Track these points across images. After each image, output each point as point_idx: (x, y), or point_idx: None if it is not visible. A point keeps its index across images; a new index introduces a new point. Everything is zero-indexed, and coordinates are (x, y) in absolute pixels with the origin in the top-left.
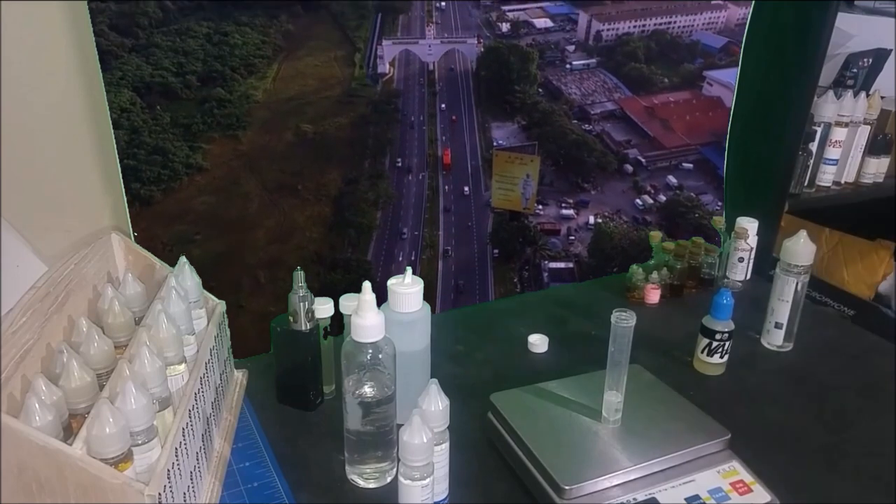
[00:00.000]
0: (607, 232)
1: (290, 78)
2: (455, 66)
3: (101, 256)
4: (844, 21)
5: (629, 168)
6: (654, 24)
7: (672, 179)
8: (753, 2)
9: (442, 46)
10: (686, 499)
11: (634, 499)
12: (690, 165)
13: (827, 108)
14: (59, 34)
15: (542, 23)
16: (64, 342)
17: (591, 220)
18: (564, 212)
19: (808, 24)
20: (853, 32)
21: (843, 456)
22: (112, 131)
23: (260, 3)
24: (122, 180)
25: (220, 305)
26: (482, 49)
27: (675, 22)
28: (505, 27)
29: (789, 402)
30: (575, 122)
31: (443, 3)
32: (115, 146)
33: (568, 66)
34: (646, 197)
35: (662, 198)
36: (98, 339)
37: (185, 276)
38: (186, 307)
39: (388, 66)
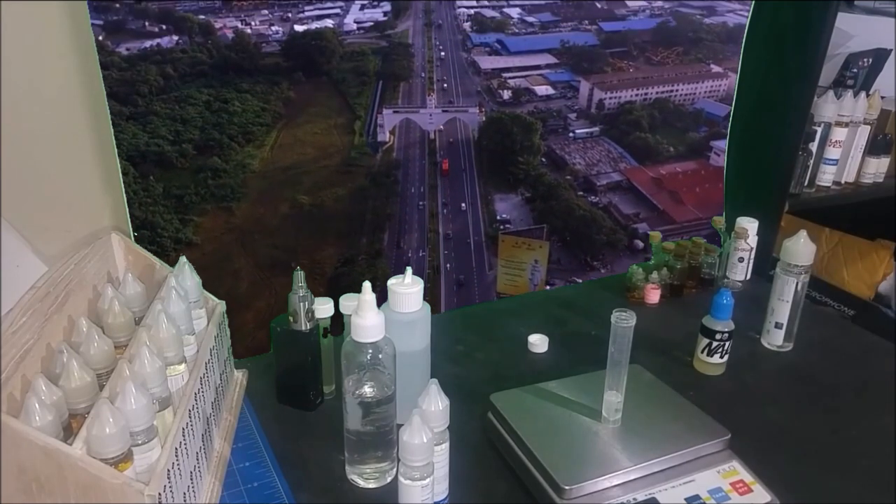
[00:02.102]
0: None
1: (288, 146)
2: (456, 136)
3: (101, 256)
4: (844, 21)
5: (639, 244)
6: (657, 93)
7: None
8: (753, 2)
9: (443, 115)
10: (686, 499)
11: (634, 499)
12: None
13: (827, 108)
14: (59, 34)
15: (544, 90)
16: (64, 342)
17: None
18: None
19: (808, 24)
20: (853, 32)
21: (843, 456)
22: (112, 131)
23: (262, 70)
24: (122, 180)
25: (221, 305)
26: (484, 118)
27: (676, 90)
28: (506, 94)
29: (789, 402)
30: (581, 194)
31: (442, 53)
32: (115, 146)
33: (571, 134)
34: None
35: None
36: (98, 339)
37: (185, 276)
38: (186, 307)
39: (388, 134)
